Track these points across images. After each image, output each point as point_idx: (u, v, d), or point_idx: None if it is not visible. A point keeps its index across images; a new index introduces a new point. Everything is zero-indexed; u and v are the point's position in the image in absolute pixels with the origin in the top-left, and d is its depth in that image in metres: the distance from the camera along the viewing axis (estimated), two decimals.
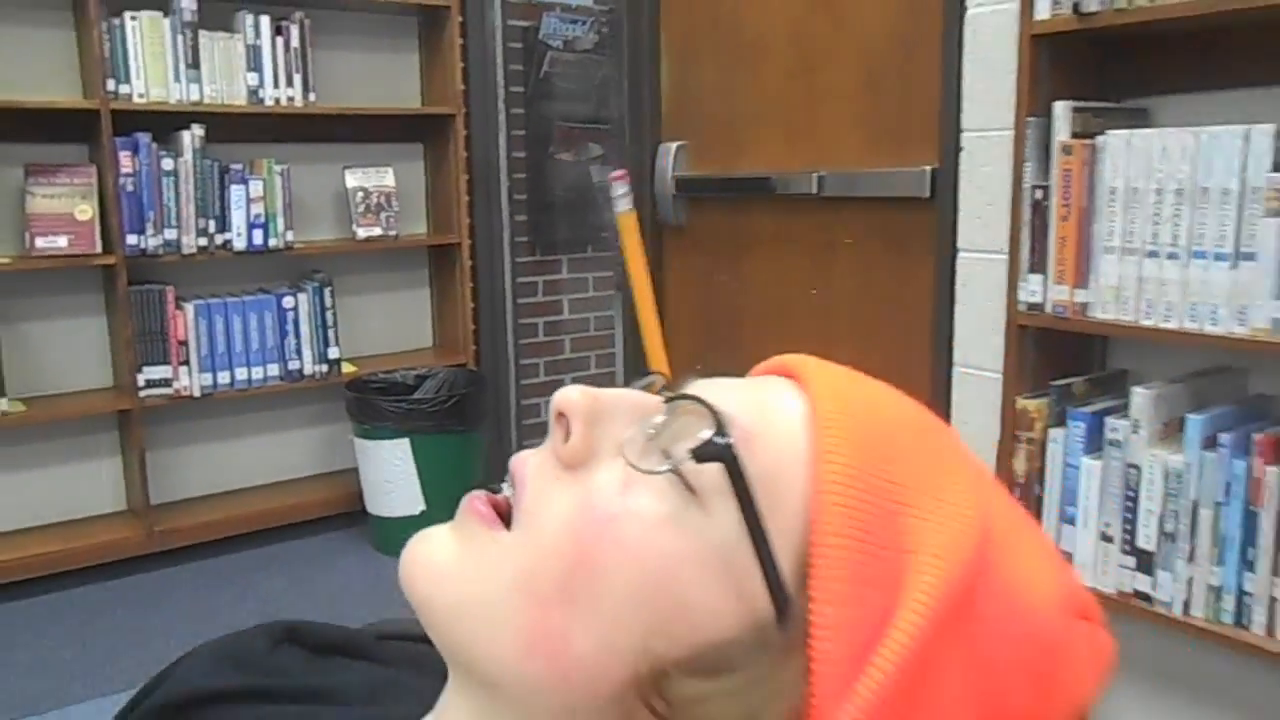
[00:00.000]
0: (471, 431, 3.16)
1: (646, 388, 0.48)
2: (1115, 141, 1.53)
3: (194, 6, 2.94)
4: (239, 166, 3.08)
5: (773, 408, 0.45)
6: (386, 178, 3.43)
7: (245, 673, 0.60)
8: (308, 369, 3.27)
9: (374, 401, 3.08)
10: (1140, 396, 1.55)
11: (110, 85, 2.84)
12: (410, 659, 0.62)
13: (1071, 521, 1.65)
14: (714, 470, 0.41)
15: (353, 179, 3.37)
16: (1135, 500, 1.56)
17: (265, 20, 3.08)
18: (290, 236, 3.17)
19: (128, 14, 2.86)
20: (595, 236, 3.91)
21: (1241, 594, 1.46)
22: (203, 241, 3.03)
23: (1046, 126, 1.63)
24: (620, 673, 0.41)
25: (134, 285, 2.95)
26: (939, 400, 2.15)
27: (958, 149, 2.04)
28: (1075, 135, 1.60)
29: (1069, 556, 1.66)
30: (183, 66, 2.95)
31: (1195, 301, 1.45)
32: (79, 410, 3.00)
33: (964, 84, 2.02)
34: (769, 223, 2.61)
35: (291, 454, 3.47)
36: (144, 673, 0.61)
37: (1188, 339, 1.47)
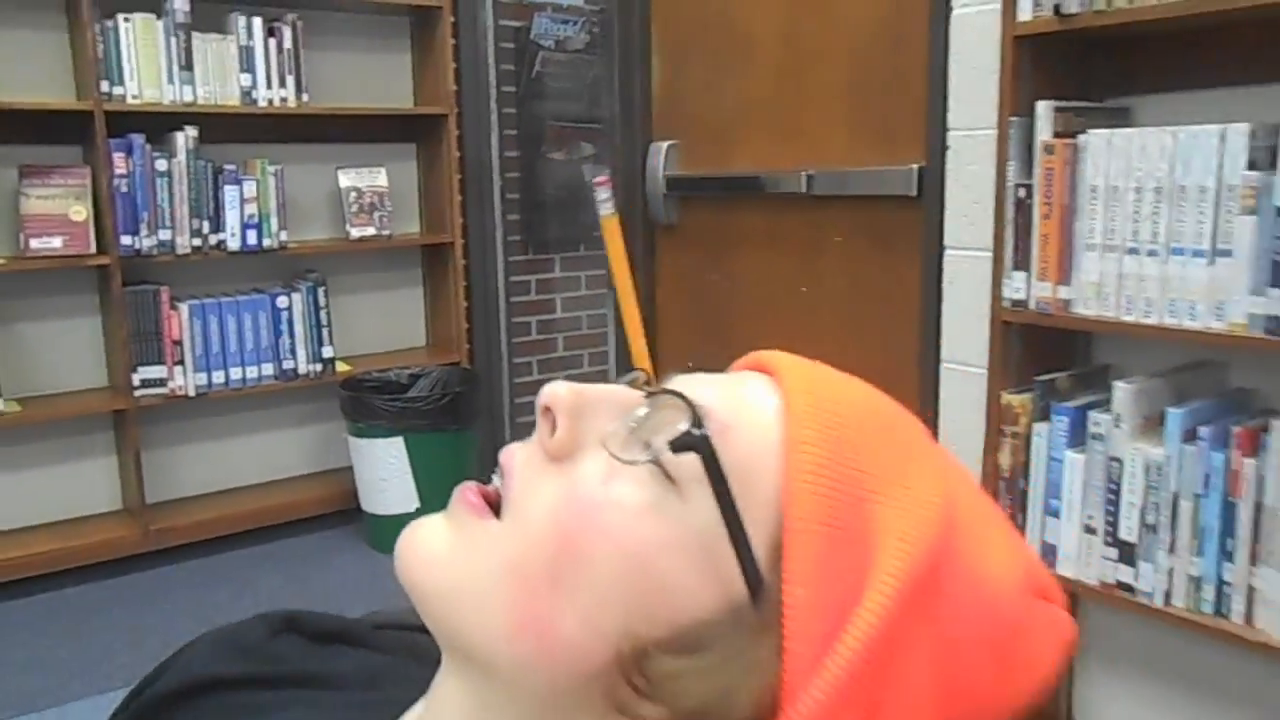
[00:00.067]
0: (465, 429, 3.19)
1: (630, 383, 0.51)
2: (1096, 141, 1.56)
3: (187, 8, 2.96)
4: (232, 167, 3.09)
5: (748, 401, 0.47)
6: (379, 178, 3.44)
7: (246, 660, 0.62)
8: (302, 368, 3.29)
9: (368, 400, 3.10)
10: (1121, 391, 1.57)
11: (104, 87, 2.86)
12: (406, 647, 0.64)
13: (1055, 514, 1.68)
14: (691, 460, 0.44)
15: (346, 179, 3.38)
16: (1117, 493, 1.59)
17: (258, 21, 3.09)
18: (284, 236, 3.19)
19: (121, 16, 2.87)
20: (587, 235, 3.93)
21: (1221, 584, 1.49)
22: (197, 242, 3.04)
23: (1029, 126, 1.66)
24: (604, 652, 0.43)
25: (129, 286, 2.97)
26: (927, 396, 2.18)
27: (944, 148, 2.07)
28: (1057, 134, 1.63)
29: (1053, 548, 1.69)
30: (176, 68, 2.97)
31: (1174, 297, 1.48)
32: (74, 410, 3.02)
33: (950, 84, 2.05)
34: (759, 221, 2.64)
35: (286, 453, 3.49)
36: (141, 670, 0.63)
37: (1167, 334, 1.50)
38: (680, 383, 0.49)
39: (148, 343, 3.01)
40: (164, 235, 2.99)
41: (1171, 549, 1.54)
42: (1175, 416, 1.51)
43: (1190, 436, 1.50)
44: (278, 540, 3.25)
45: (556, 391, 0.47)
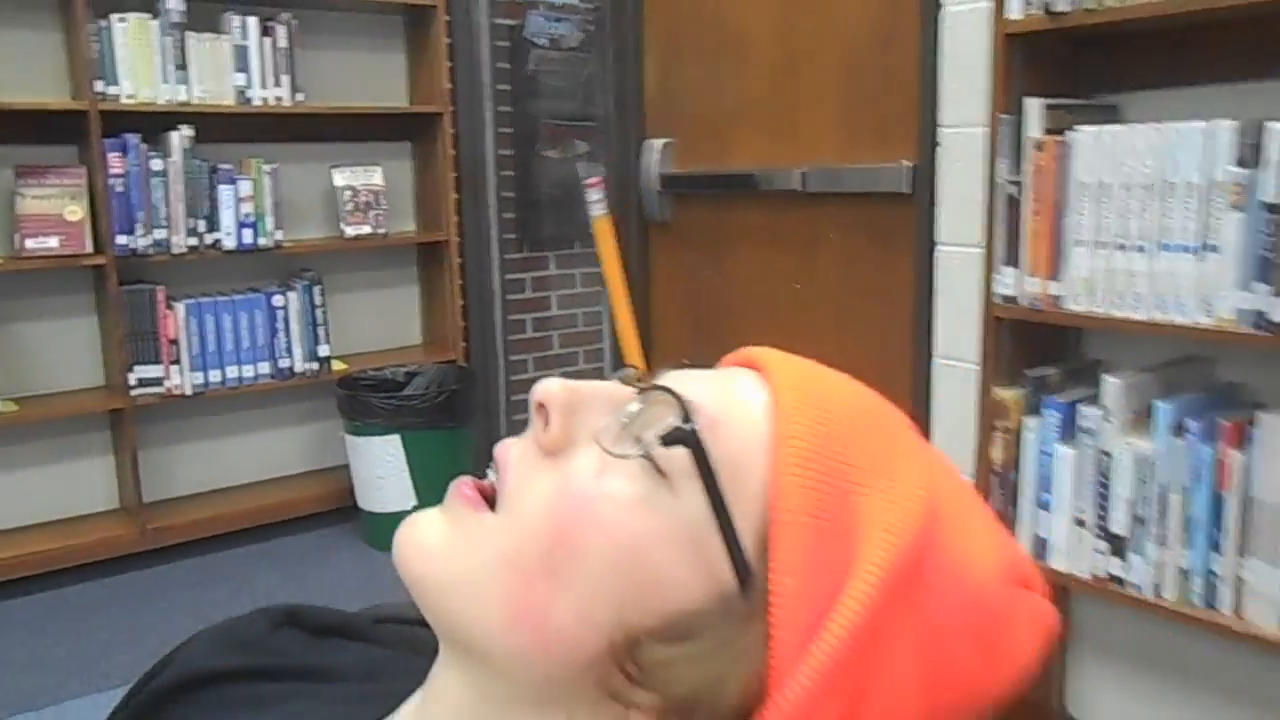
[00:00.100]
0: (461, 427, 3.20)
1: (622, 380, 0.52)
2: (1085, 138, 1.57)
3: (181, 8, 2.96)
4: (228, 166, 3.10)
5: (737, 397, 0.49)
6: (374, 176, 3.45)
7: (247, 654, 0.63)
8: (298, 367, 3.30)
9: (365, 398, 3.11)
10: (1111, 385, 1.59)
11: (99, 86, 2.86)
12: (405, 640, 0.65)
13: (1046, 507, 1.70)
14: (681, 454, 0.45)
15: (341, 178, 3.39)
16: (1107, 486, 1.61)
17: (252, 21, 3.10)
18: (279, 235, 3.20)
19: (115, 16, 2.88)
20: (583, 233, 3.93)
21: (1210, 576, 1.51)
22: (192, 241, 3.05)
23: (1019, 123, 1.67)
24: (597, 641, 0.45)
25: (125, 285, 2.97)
26: (920, 391, 2.20)
27: (935, 145, 2.08)
28: (1047, 131, 1.64)
29: (1044, 542, 1.71)
30: (171, 67, 2.97)
31: (1163, 293, 1.50)
32: (71, 410, 3.03)
33: (941, 81, 2.06)
34: (753, 219, 2.65)
35: (283, 451, 3.50)
36: (139, 669, 0.63)
37: (1156, 329, 1.52)
38: (671, 379, 0.50)
39: (144, 342, 3.02)
40: (159, 234, 2.99)
41: (1161, 542, 1.55)
42: (1163, 410, 1.52)
43: (1178, 430, 1.52)
44: (275, 539, 3.26)
45: (550, 388, 0.48)
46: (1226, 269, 1.42)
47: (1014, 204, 1.68)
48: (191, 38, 3.00)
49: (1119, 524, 1.60)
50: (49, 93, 2.92)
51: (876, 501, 0.46)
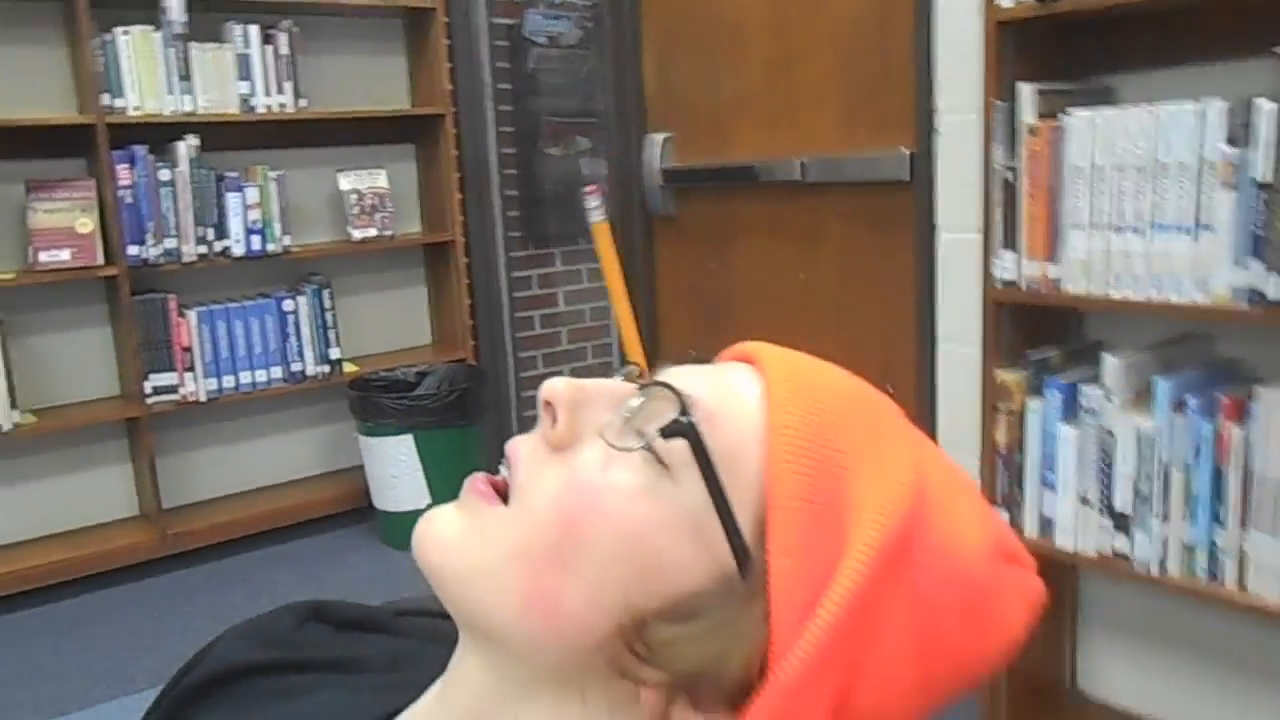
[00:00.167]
0: (473, 425, 3.23)
1: (625, 377, 0.55)
2: (1077, 122, 1.59)
3: (183, 19, 2.99)
4: (234, 174, 3.14)
5: (732, 390, 0.51)
6: (379, 179, 3.48)
7: (274, 648, 0.65)
8: (310, 370, 3.34)
9: (377, 399, 3.14)
10: (1111, 365, 1.61)
11: (105, 99, 2.90)
12: (425, 631, 0.68)
13: (1052, 487, 1.72)
14: (681, 446, 0.48)
15: (346, 182, 3.42)
16: (1110, 464, 1.63)
17: (254, 29, 3.13)
18: (287, 241, 3.23)
19: (119, 29, 2.91)
20: (587, 229, 3.97)
21: (1213, 550, 1.53)
22: (202, 249, 3.09)
23: (1013, 109, 1.69)
24: (606, 624, 0.47)
25: (137, 295, 3.01)
26: (924, 376, 2.22)
27: (933, 133, 2.10)
28: (1041, 115, 1.66)
29: (1050, 521, 1.73)
30: (175, 78, 3.01)
31: (1159, 272, 1.52)
32: (89, 419, 3.07)
33: (936, 69, 2.08)
34: (756, 210, 2.67)
35: (298, 454, 3.54)
36: (164, 672, 0.66)
37: (1153, 309, 1.54)
38: (670, 375, 0.53)
39: (158, 350, 3.06)
40: (169, 244, 3.03)
41: (1164, 517, 1.58)
42: (1163, 388, 1.54)
43: (1179, 407, 1.54)
44: (293, 540, 3.30)
45: (556, 387, 0.51)
46: (1220, 247, 1.44)
47: (1010, 189, 1.71)
48: (194, 48, 3.03)
49: (1123, 501, 1.63)
50: (56, 107, 2.96)
51: (866, 485, 0.48)
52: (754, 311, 2.72)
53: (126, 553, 3.04)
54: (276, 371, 3.28)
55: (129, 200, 2.95)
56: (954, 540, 0.49)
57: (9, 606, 2.86)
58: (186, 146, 3.04)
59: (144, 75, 2.96)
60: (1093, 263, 1.60)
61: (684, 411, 0.48)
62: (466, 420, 3.19)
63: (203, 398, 3.14)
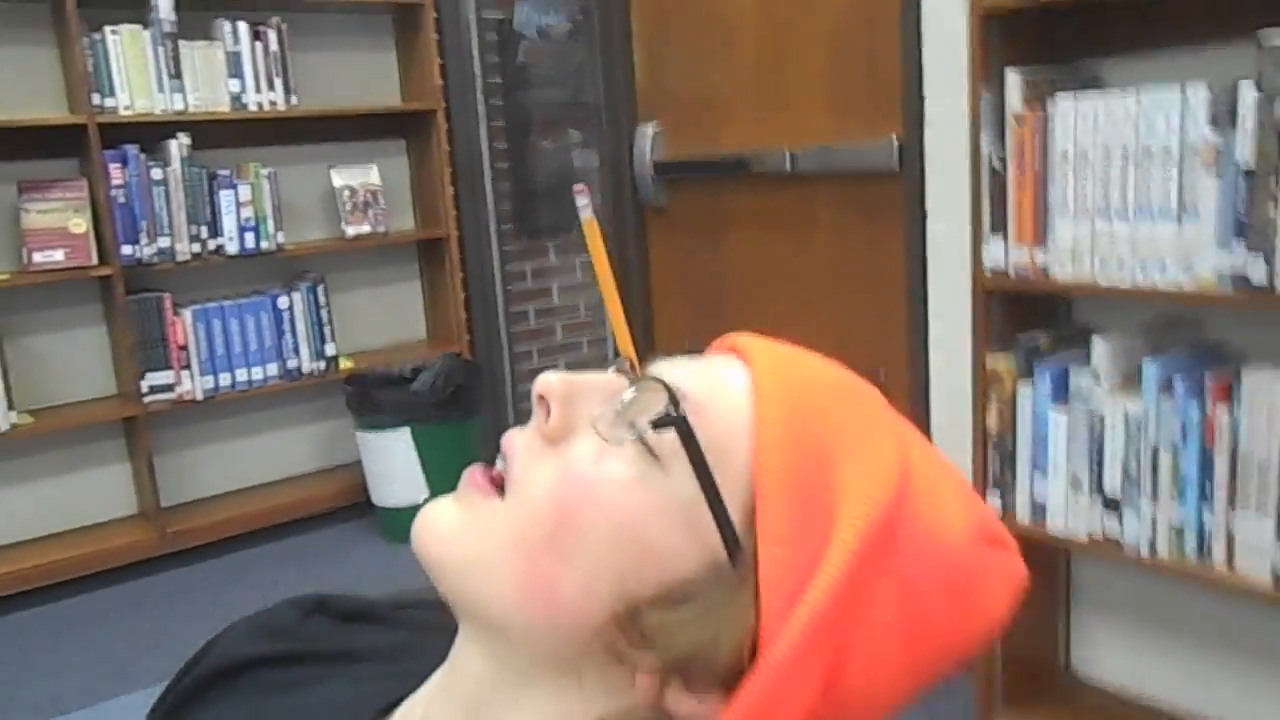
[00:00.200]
0: (469, 418, 3.24)
1: (617, 370, 0.57)
2: (1064, 109, 1.61)
3: (172, 17, 2.99)
4: (226, 172, 3.14)
5: (721, 383, 0.53)
6: (371, 175, 3.49)
7: (279, 640, 0.67)
8: (306, 367, 3.35)
9: (373, 395, 3.16)
10: (1100, 348, 1.63)
11: (96, 99, 2.90)
12: (426, 623, 0.69)
13: (1043, 471, 1.74)
14: (671, 437, 0.49)
15: (339, 178, 3.43)
16: (1100, 447, 1.65)
17: (243, 26, 3.13)
18: (281, 238, 3.24)
19: (108, 28, 2.91)
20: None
21: (1202, 530, 1.55)
22: (196, 248, 3.10)
23: (1000, 97, 1.71)
24: (601, 611, 0.49)
25: (132, 294, 3.02)
26: (917, 362, 2.24)
27: (921, 122, 2.12)
28: (1028, 103, 1.67)
29: (1042, 505, 1.75)
30: (165, 77, 3.01)
31: (1145, 257, 1.53)
32: (86, 419, 3.08)
33: (924, 58, 2.09)
34: (747, 201, 2.69)
35: (296, 450, 3.55)
36: (167, 669, 0.67)
37: (1140, 293, 1.56)
38: (660, 368, 0.54)
39: (154, 349, 3.07)
40: (163, 243, 3.04)
41: (1153, 499, 1.60)
42: (1151, 370, 1.56)
43: (1167, 390, 1.56)
44: (292, 537, 3.32)
45: (549, 381, 0.52)
46: (1205, 231, 1.45)
47: (998, 176, 1.72)
48: (184, 46, 3.03)
49: (1112, 483, 1.65)
50: (47, 108, 2.97)
51: (852, 473, 0.50)
52: (747, 301, 2.73)
53: (125, 551, 3.05)
54: (272, 368, 3.29)
55: (122, 200, 2.96)
56: (938, 525, 0.51)
57: (9, 606, 2.87)
58: (178, 145, 3.04)
59: (134, 74, 2.96)
60: (1080, 248, 1.61)
61: (674, 404, 0.50)
62: (463, 414, 3.21)
63: (199, 396, 3.15)
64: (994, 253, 1.75)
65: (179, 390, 3.11)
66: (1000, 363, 1.77)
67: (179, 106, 3.03)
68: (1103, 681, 2.04)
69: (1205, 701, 1.88)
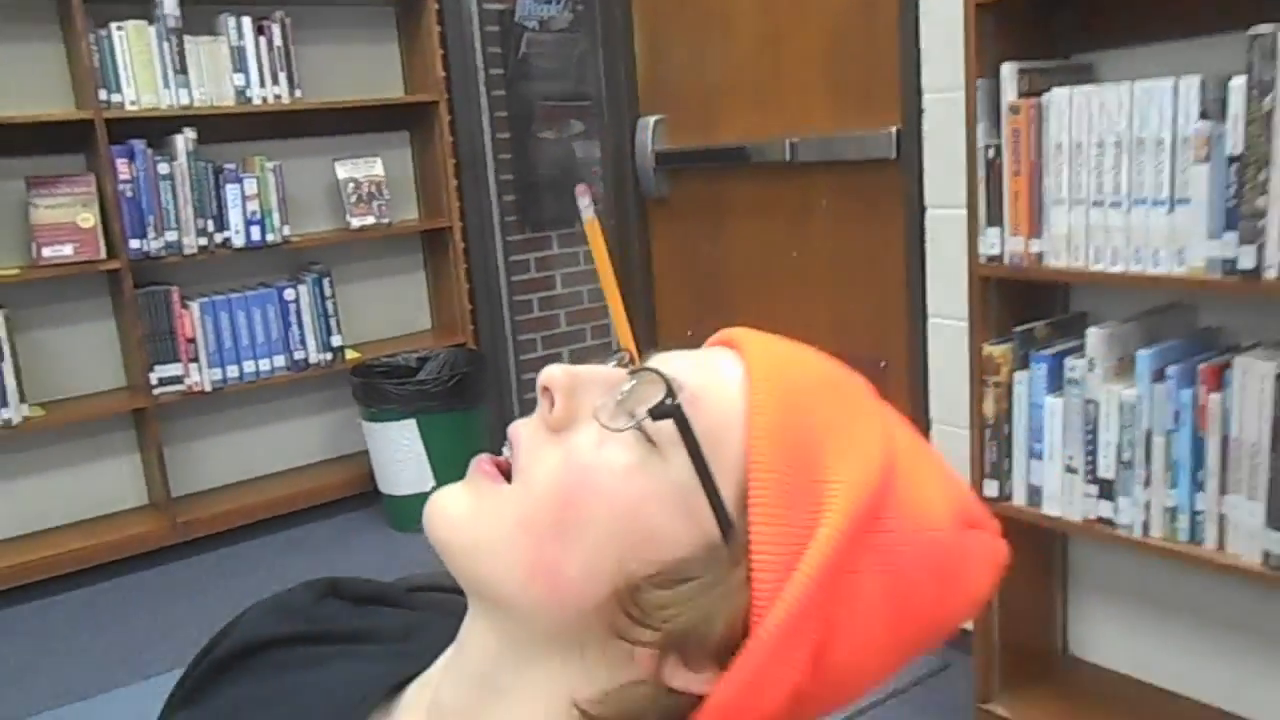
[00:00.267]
0: (475, 408, 3.28)
1: (617, 363, 0.60)
2: (1058, 100, 1.63)
3: (177, 12, 3.02)
4: (232, 166, 3.17)
5: (716, 374, 0.56)
6: (375, 167, 3.52)
7: (295, 621, 0.70)
8: (312, 358, 3.38)
9: (379, 385, 3.19)
10: (1094, 336, 1.65)
11: (102, 95, 2.93)
12: (436, 605, 0.72)
13: (1039, 456, 1.77)
14: (669, 426, 0.53)
15: (343, 170, 3.46)
16: (1095, 433, 1.68)
17: (247, 21, 3.15)
18: (287, 230, 3.27)
19: (114, 24, 2.94)
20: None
21: (1194, 513, 1.58)
22: (203, 241, 3.13)
23: (996, 87, 1.73)
24: (602, 590, 0.52)
25: (140, 288, 3.05)
26: (915, 350, 2.26)
27: (919, 111, 2.14)
28: (1024, 93, 1.70)
29: (1038, 490, 1.78)
30: (171, 72, 3.04)
31: (1138, 246, 1.56)
32: (96, 412, 3.12)
33: (922, 47, 2.11)
34: (747, 190, 2.71)
35: (303, 441, 3.59)
36: (179, 657, 0.70)
37: (1133, 281, 1.58)
38: (658, 360, 0.58)
39: (162, 342, 3.11)
40: (170, 236, 3.07)
41: (1147, 483, 1.62)
42: (1144, 358, 1.59)
43: (1159, 376, 1.58)
44: (300, 526, 3.36)
45: (553, 373, 0.56)
46: (1196, 220, 1.48)
47: (994, 166, 1.74)
48: (189, 41, 3.06)
49: (1107, 469, 1.67)
50: (54, 104, 2.99)
51: (839, 458, 0.53)
52: (748, 290, 2.76)
53: (137, 541, 3.09)
54: (280, 360, 3.32)
55: (129, 194, 2.99)
56: (921, 507, 0.54)
57: (25, 596, 2.92)
58: (184, 139, 3.07)
59: (140, 69, 2.99)
60: (1074, 237, 1.64)
61: (671, 394, 0.53)
62: (468, 404, 3.24)
63: (208, 387, 3.19)
64: (990, 241, 1.77)
65: (188, 382, 3.15)
66: (997, 350, 1.80)
67: (184, 101, 3.06)
68: (1100, 664, 2.07)
69: (1200, 681, 1.91)
